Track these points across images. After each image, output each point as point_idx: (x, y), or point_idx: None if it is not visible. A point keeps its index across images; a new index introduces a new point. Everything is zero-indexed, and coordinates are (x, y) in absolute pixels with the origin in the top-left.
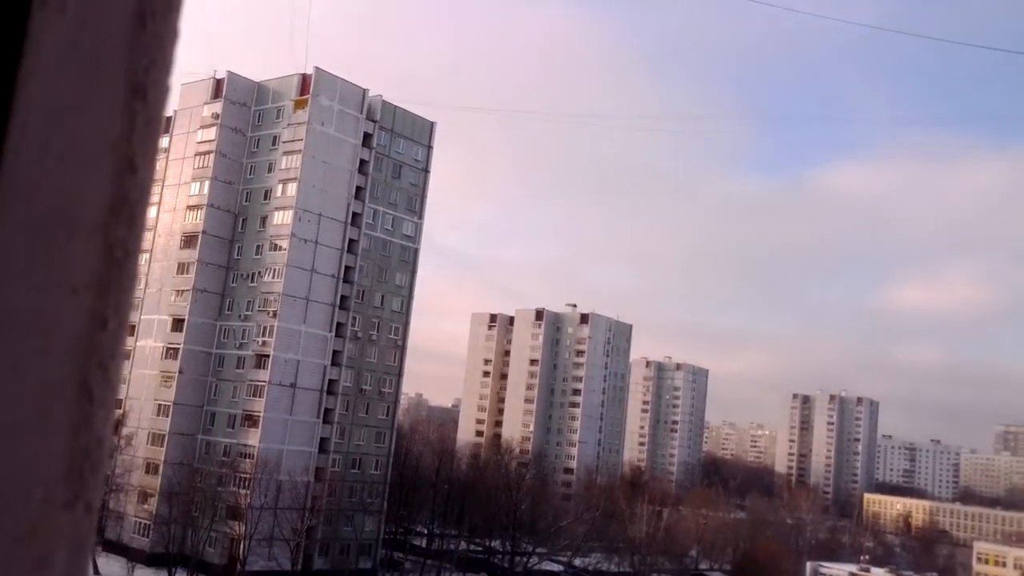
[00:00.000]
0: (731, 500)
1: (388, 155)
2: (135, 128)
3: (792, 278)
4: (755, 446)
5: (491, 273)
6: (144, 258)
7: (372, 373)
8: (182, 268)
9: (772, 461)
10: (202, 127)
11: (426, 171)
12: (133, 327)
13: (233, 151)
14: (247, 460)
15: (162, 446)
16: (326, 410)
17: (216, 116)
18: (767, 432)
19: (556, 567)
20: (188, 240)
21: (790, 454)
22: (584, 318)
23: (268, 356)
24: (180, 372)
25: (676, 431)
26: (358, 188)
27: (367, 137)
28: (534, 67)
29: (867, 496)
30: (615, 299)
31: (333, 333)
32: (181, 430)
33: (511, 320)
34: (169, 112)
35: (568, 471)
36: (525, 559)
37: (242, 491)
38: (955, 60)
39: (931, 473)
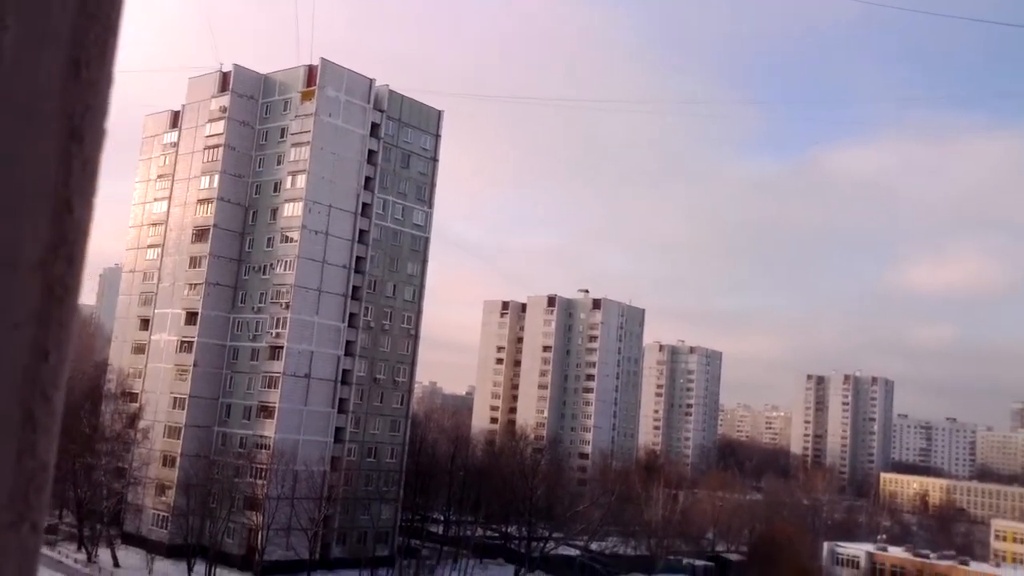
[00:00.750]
0: (747, 482)
1: (396, 144)
2: (72, 172)
3: (804, 259)
4: (770, 428)
5: (502, 261)
6: (156, 252)
7: (386, 362)
8: (194, 262)
9: (787, 442)
10: (210, 121)
11: (435, 160)
12: (147, 321)
13: (242, 144)
14: (263, 451)
15: (179, 439)
16: (341, 400)
17: (224, 109)
18: (782, 414)
19: (573, 552)
20: (200, 234)
21: (805, 435)
22: (596, 304)
23: (282, 347)
24: (195, 365)
25: (691, 414)
26: (367, 178)
27: (375, 127)
28: (541, 54)
29: (883, 475)
30: (626, 284)
31: (346, 324)
32: (197, 422)
33: (523, 307)
34: (177, 107)
35: (583, 456)
36: (542, 544)
37: (259, 482)
38: (958, 37)
39: (947, 451)
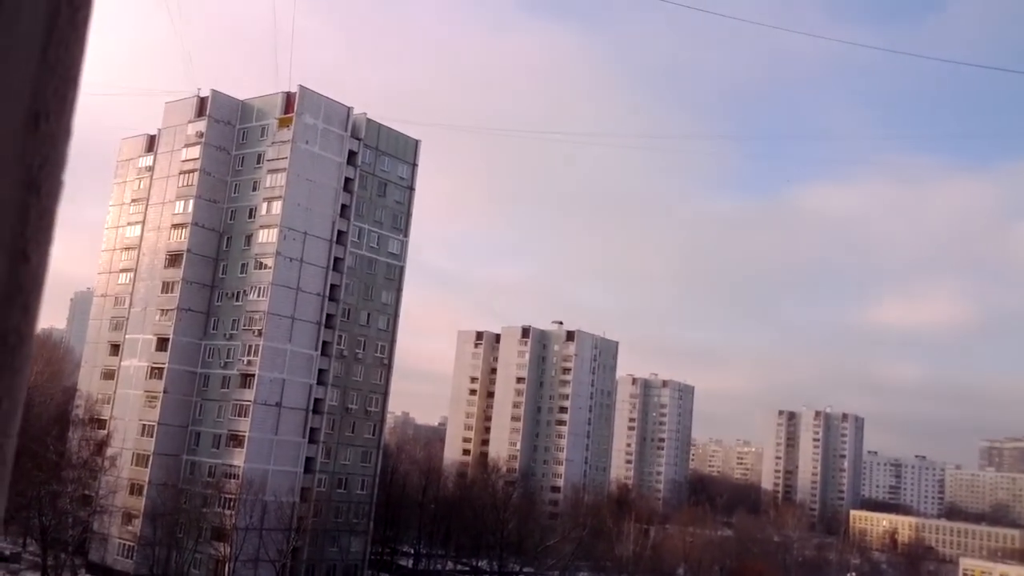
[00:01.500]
0: (718, 517)
1: (373, 173)
2: (28, 222)
3: (777, 296)
4: (741, 463)
5: (476, 291)
6: (128, 277)
7: (358, 392)
8: (167, 287)
9: (758, 478)
10: (186, 145)
11: (411, 189)
12: (117, 346)
13: (217, 169)
14: (232, 480)
15: (146, 467)
16: (312, 429)
17: (200, 134)
18: (753, 449)
19: None
20: (173, 259)
21: (776, 471)
22: (570, 335)
23: (253, 375)
24: (165, 392)
25: (663, 448)
26: (343, 206)
27: (352, 155)
28: (515, 88)
29: (853, 513)
30: (600, 317)
31: (319, 352)
32: (166, 450)
33: (497, 338)
34: (153, 131)
35: (555, 489)
36: None
37: (227, 512)
38: (933, 79)
39: (916, 489)
